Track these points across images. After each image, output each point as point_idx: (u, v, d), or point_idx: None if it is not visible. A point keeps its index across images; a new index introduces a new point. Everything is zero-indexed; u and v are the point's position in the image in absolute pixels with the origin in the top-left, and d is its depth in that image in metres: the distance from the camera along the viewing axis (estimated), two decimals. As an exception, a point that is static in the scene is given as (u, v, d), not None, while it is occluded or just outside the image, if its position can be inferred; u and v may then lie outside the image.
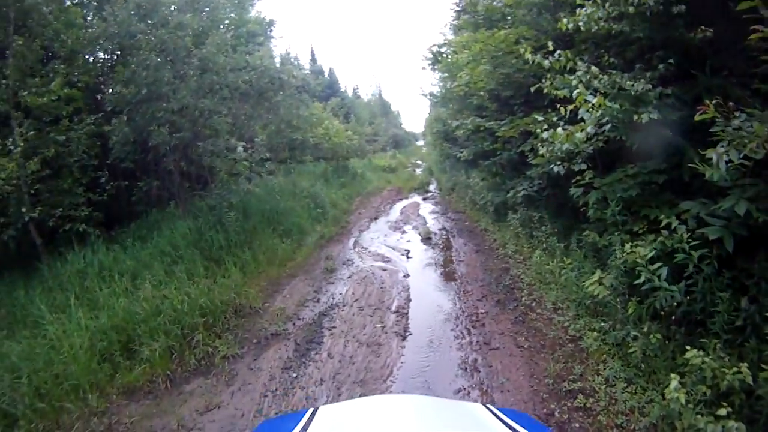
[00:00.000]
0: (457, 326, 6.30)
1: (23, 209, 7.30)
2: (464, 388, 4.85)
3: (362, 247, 10.91)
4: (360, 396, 4.71)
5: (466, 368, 5.24)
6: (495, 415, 1.38)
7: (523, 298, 6.84)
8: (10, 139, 7.39)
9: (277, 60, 19.03)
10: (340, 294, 7.74)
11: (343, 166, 19.73)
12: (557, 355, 5.18)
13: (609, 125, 4.81)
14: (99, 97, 10.02)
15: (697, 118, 3.44)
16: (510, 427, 1.24)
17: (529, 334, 5.81)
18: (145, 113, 8.60)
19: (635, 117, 4.39)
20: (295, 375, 5.31)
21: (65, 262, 7.33)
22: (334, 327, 6.46)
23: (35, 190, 7.57)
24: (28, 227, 7.52)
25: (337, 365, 5.45)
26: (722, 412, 3.11)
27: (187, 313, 6.14)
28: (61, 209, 7.83)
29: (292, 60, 24.73)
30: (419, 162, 25.73)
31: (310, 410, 1.54)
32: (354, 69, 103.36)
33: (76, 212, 7.97)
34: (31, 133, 7.53)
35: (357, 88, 37.84)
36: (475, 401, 4.47)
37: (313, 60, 38.03)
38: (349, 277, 8.62)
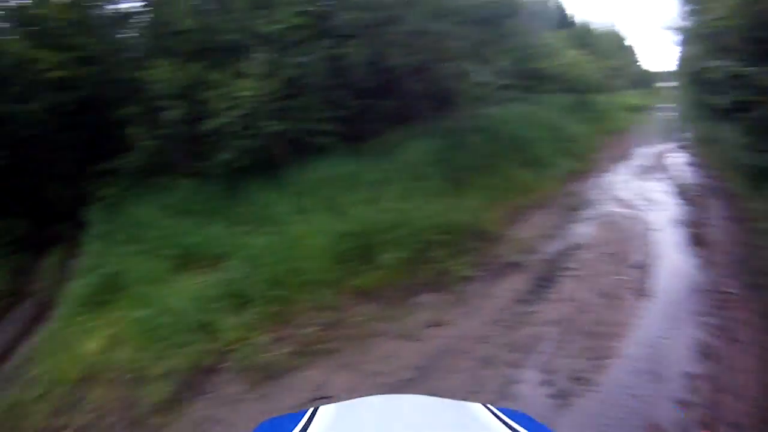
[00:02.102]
0: (699, 301, 5.45)
1: (268, 123, 7.70)
2: (694, 375, 4.12)
3: (605, 189, 10.17)
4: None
5: (701, 352, 4.47)
6: (495, 415, 1.35)
7: None
8: (250, 63, 7.89)
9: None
10: (581, 235, 7.32)
11: (586, 101, 17.87)
12: None
13: None
14: (330, 23, 10.12)
15: None
16: (510, 427, 1.20)
17: None
18: (379, 36, 8.57)
19: None
20: (526, 310, 5.10)
21: (309, 170, 7.65)
22: (571, 268, 6.07)
23: (280, 106, 7.93)
24: (274, 139, 7.95)
25: (569, 309, 5.10)
26: None
27: (426, 229, 6.06)
28: (305, 123, 8.12)
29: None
30: (663, 105, 22.82)
31: (310, 410, 1.48)
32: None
33: (320, 126, 8.21)
34: (271, 56, 7.93)
35: (589, 20, 33.88)
36: (705, 396, 3.92)
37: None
38: (591, 218, 8.08)
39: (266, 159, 8.03)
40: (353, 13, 8.69)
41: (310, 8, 9.03)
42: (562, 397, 3.78)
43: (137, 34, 10.69)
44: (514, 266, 5.97)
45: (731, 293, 5.57)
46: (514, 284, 5.57)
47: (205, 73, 8.17)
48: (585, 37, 27.09)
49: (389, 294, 5.30)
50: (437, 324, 4.74)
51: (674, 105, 21.12)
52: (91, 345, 5.25)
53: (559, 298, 5.30)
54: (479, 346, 4.41)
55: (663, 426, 3.52)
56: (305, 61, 8.32)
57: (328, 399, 3.75)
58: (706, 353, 4.43)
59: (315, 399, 3.76)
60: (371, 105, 9.57)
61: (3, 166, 10.08)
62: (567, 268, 6.03)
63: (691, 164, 12.85)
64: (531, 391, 3.88)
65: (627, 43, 38.48)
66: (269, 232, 6.07)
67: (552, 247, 6.68)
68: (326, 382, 4.07)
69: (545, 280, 5.68)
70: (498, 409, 1.46)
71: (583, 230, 7.46)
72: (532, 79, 15.47)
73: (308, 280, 5.25)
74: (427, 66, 9.18)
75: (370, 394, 3.76)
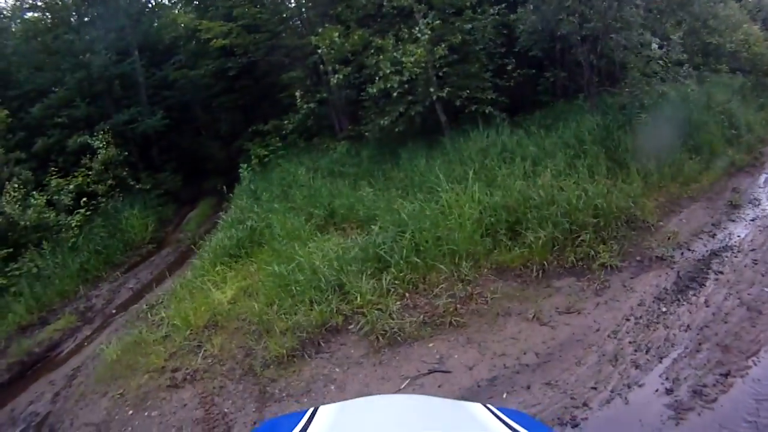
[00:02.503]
0: None
1: (431, 89, 7.85)
2: None
3: None
4: None
5: None
6: (495, 415, 1.33)
7: None
8: (416, 29, 7.95)
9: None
10: (738, 236, 6.62)
11: (765, 83, 15.41)
12: None
13: None
14: None
15: None
16: (510, 427, 1.19)
17: None
18: (552, 2, 8.19)
19: None
20: (665, 309, 4.82)
21: (468, 139, 7.69)
22: (720, 272, 5.56)
23: (443, 73, 8.08)
24: (434, 105, 8.12)
25: (709, 316, 4.75)
26: None
27: (580, 210, 5.87)
28: (467, 91, 8.16)
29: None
30: None
31: (311, 410, 1.50)
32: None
33: (482, 95, 8.22)
34: (437, 22, 7.94)
35: None
36: None
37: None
38: (753, 219, 7.28)
39: (425, 125, 8.27)
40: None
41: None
42: (678, 409, 3.65)
43: (304, 1, 11.38)
44: (662, 261, 5.66)
45: None
46: (657, 280, 5.32)
47: (371, 39, 8.46)
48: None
49: (528, 273, 5.26)
50: (571, 311, 4.68)
51: None
52: (223, 294, 5.66)
53: (701, 302, 4.99)
54: (608, 341, 4.32)
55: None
56: (473, 27, 8.36)
57: (442, 372, 4.02)
58: None
59: (431, 372, 4.03)
60: (536, 75, 9.45)
61: (166, 124, 11.40)
62: (716, 271, 5.60)
63: None
64: (648, 397, 3.78)
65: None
66: (419, 199, 6.17)
67: (705, 246, 6.22)
68: (447, 356, 4.18)
69: (690, 281, 5.36)
70: (498, 409, 1.47)
71: (740, 231, 6.83)
72: (707, 56, 13.94)
73: (450, 250, 5.30)
74: (597, 36, 8.68)
75: (490, 377, 3.93)
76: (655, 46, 9.31)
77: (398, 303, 4.82)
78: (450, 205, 5.79)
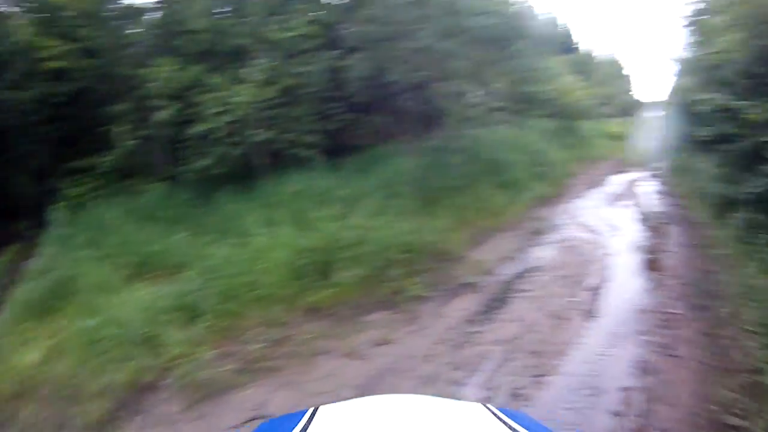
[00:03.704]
0: (645, 321, 5.67)
1: (255, 131, 7.87)
2: (631, 388, 4.30)
3: (573, 215, 10.38)
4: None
5: (639, 369, 4.65)
6: (495, 414, 1.35)
7: (721, 310, 5.80)
8: (249, 69, 8.05)
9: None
10: (540, 258, 7.44)
11: (571, 126, 18.28)
12: (733, 383, 4.32)
13: None
14: (337, 35, 10.35)
15: None
16: (510, 427, 1.20)
17: (714, 350, 5.00)
18: (385, 51, 8.72)
19: None
20: (474, 330, 5.14)
21: (284, 182, 7.73)
22: (525, 290, 6.18)
23: (269, 115, 8.12)
24: (256, 148, 8.11)
25: (517, 329, 5.19)
26: None
27: (389, 247, 6.13)
28: (292, 134, 8.32)
29: (527, 7, 23.40)
30: (646, 135, 22.83)
31: (311, 410, 1.50)
32: (588, 24, 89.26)
33: (303, 138, 8.40)
34: (274, 63, 8.11)
35: (591, 47, 34.03)
36: (639, 406, 4.10)
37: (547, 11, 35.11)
38: (553, 242, 8.23)
39: (244, 168, 8.19)
40: (363, 26, 8.87)
41: (323, 18, 9.34)
42: None
43: (145, 30, 10.83)
44: (469, 287, 6.04)
45: (676, 314, 5.76)
46: (466, 304, 5.63)
47: (205, 76, 8.34)
48: (585, 64, 27.36)
49: (341, 311, 5.33)
50: (384, 342, 4.78)
51: (656, 135, 21.44)
52: (30, 356, 5.04)
53: (508, 318, 5.39)
54: (423, 364, 4.46)
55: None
56: (307, 70, 8.56)
57: (264, 417, 3.87)
58: (644, 368, 4.61)
59: (252, 419, 3.88)
60: (362, 119, 9.85)
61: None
62: (521, 290, 6.14)
63: (661, 193, 13.12)
64: None
65: (624, 71, 38.77)
66: (232, 244, 6.06)
67: (509, 270, 6.78)
68: (266, 401, 4.08)
69: (498, 301, 5.77)
70: (498, 409, 1.48)
71: (543, 254, 7.61)
72: (524, 103, 15.69)
73: (263, 294, 5.25)
74: (425, 84, 9.35)
75: None
76: (475, 94, 10.37)
77: (212, 352, 4.63)
78: (262, 250, 5.77)
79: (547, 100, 16.78)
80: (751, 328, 5.15)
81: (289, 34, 8.39)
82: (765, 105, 7.32)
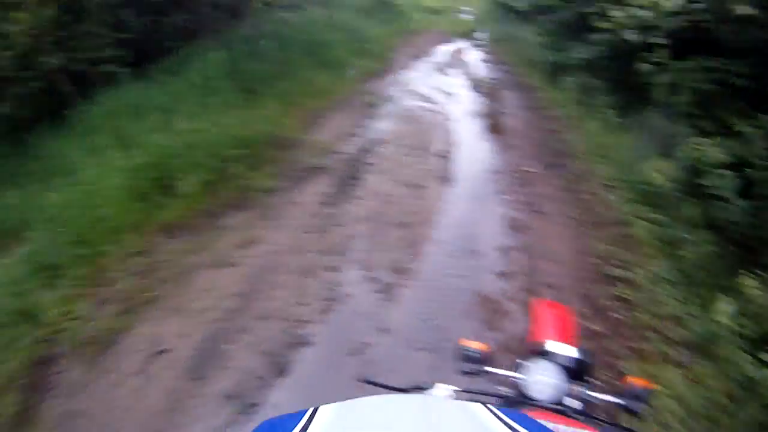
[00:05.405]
0: (502, 181, 5.95)
1: (46, 58, 6.88)
2: (509, 248, 4.57)
3: (405, 85, 10.43)
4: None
5: (511, 226, 4.92)
6: (495, 415, 1.18)
7: (575, 167, 6.26)
8: None
9: None
10: (381, 131, 7.48)
11: (386, 2, 18.29)
12: (605, 235, 4.73)
13: (703, 4, 4.57)
14: None
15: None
16: (510, 427, 1.06)
17: (579, 205, 5.36)
18: None
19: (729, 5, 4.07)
20: (335, 212, 5.14)
21: (97, 104, 6.96)
22: (375, 164, 6.23)
23: (58, 37, 7.09)
24: (55, 76, 7.17)
25: (378, 204, 5.25)
26: (768, 357, 2.65)
27: (222, 145, 5.86)
28: (87, 53, 7.36)
29: None
30: (467, 8, 23.25)
31: (311, 410, 1.26)
32: None
33: (103, 53, 7.49)
34: None
35: None
36: (522, 264, 4.29)
37: None
38: (390, 115, 8.31)
39: (52, 102, 7.21)
40: None
41: None
42: (387, 291, 3.93)
43: None
44: (317, 170, 6.00)
45: (532, 172, 6.09)
46: (318, 188, 5.59)
47: None
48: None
49: (195, 222, 5.04)
50: (248, 244, 4.65)
51: (474, 8, 22.16)
52: None
53: (365, 194, 5.44)
54: (294, 257, 4.40)
55: (490, 296, 3.85)
56: None
57: (163, 352, 3.63)
58: (516, 227, 4.86)
59: (156, 353, 3.68)
60: (158, 23, 8.92)
61: None
62: (370, 164, 6.20)
63: (488, 61, 13.56)
64: (357, 290, 3.97)
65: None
66: (63, 185, 5.39)
67: (353, 146, 6.78)
68: (158, 334, 3.86)
69: (350, 179, 5.78)
70: (498, 409, 1.30)
71: (382, 126, 7.66)
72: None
73: (112, 227, 4.83)
74: None
75: (207, 336, 3.76)
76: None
77: (87, 303, 4.23)
78: (95, 181, 5.25)
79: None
80: (609, 183, 5.57)
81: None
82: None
